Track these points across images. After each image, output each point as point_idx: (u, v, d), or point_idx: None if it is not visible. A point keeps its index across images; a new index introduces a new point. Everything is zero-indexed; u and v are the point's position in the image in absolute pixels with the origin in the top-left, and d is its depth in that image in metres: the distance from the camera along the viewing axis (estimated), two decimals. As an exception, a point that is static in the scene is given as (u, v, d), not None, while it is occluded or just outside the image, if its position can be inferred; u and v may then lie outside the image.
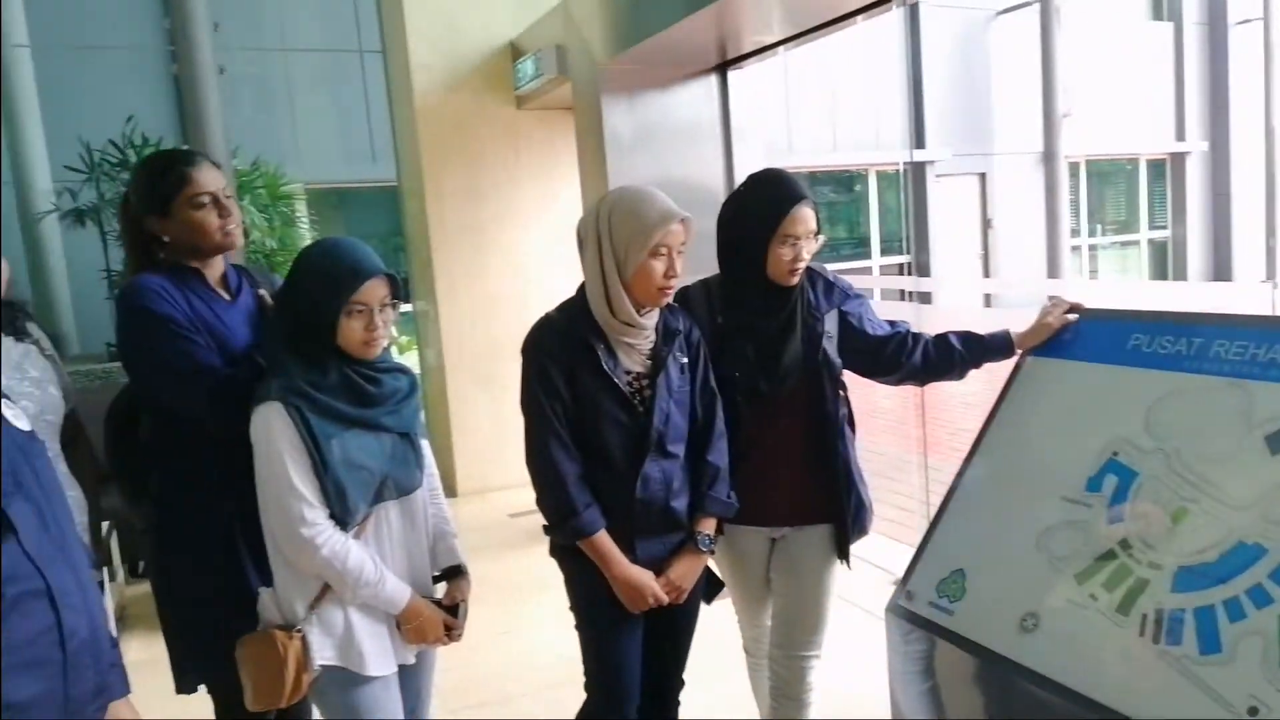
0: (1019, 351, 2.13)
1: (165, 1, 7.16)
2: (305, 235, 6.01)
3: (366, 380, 1.76)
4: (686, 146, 4.43)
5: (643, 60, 4.14)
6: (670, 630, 2.05)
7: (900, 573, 2.09)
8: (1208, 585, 1.54)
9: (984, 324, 2.23)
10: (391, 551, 1.83)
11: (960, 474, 2.08)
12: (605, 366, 1.88)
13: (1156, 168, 14.80)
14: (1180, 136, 14.47)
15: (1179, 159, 14.62)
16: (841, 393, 2.13)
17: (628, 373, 1.91)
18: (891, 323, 2.21)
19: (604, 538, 1.90)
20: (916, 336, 2.17)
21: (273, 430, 1.68)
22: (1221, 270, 14.82)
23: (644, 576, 1.93)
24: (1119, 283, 14.25)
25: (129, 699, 1.42)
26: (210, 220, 1.92)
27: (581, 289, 1.95)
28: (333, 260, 1.74)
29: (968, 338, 2.17)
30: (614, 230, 1.87)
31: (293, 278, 1.80)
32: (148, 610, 3.80)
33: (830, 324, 2.10)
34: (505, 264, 5.49)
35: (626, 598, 1.92)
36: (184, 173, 1.91)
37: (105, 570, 2.59)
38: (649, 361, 1.94)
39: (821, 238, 2.04)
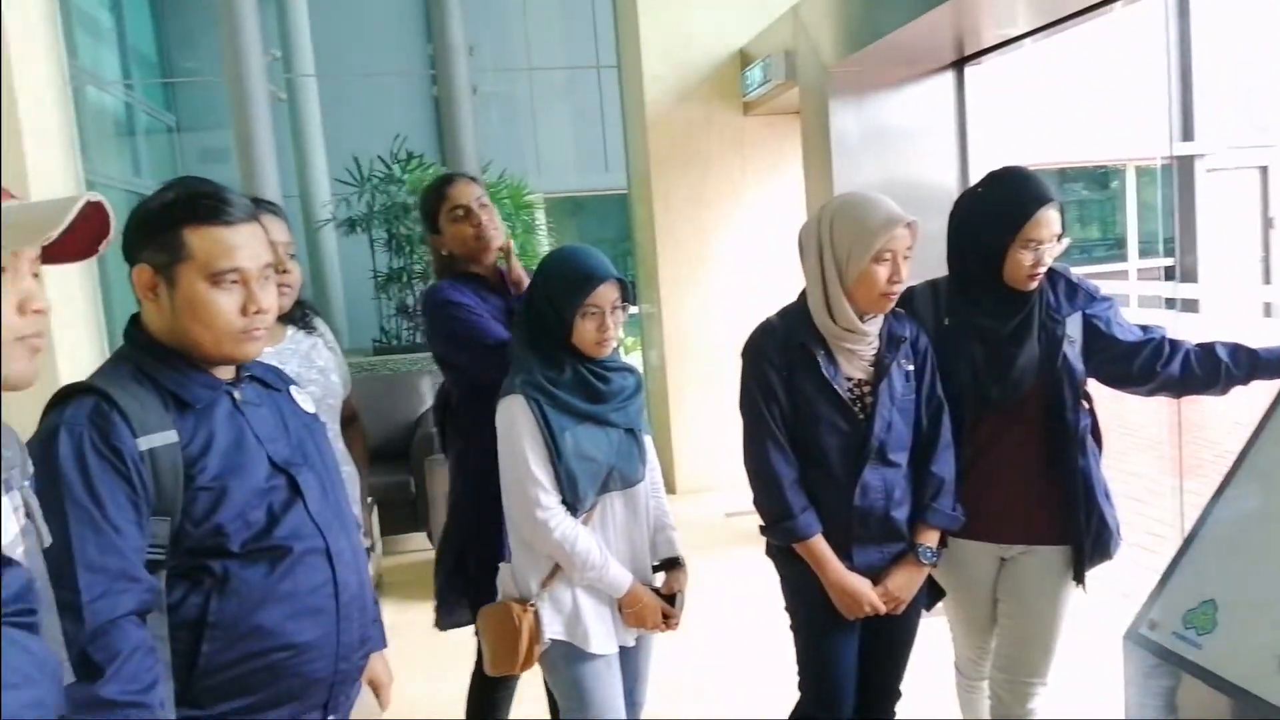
0: None
1: (429, 29, 7.85)
2: (544, 242, 6.41)
3: (597, 378, 1.89)
4: (916, 147, 4.31)
5: (873, 61, 4.07)
6: (888, 639, 2.03)
7: (1140, 599, 1.95)
8: None
9: (1262, 338, 2.03)
10: (615, 539, 1.93)
11: (1217, 496, 1.91)
12: (825, 373, 1.89)
13: None
14: None
15: None
16: (1084, 403, 2.01)
17: (849, 379, 1.91)
18: (1144, 328, 2.05)
19: (819, 542, 1.91)
20: (1175, 344, 2.01)
21: (515, 421, 1.84)
22: None
23: (860, 584, 1.92)
24: None
25: (384, 653, 1.61)
26: (465, 229, 2.24)
27: (803, 295, 1.97)
28: (570, 266, 1.89)
29: (1237, 350, 1.98)
30: (836, 236, 1.87)
31: (535, 282, 1.97)
32: (399, 579, 4.25)
33: (1073, 328, 1.99)
34: (728, 269, 5.58)
35: (841, 604, 1.92)
36: (443, 191, 2.27)
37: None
38: (871, 368, 1.92)
39: (1065, 241, 1.94)
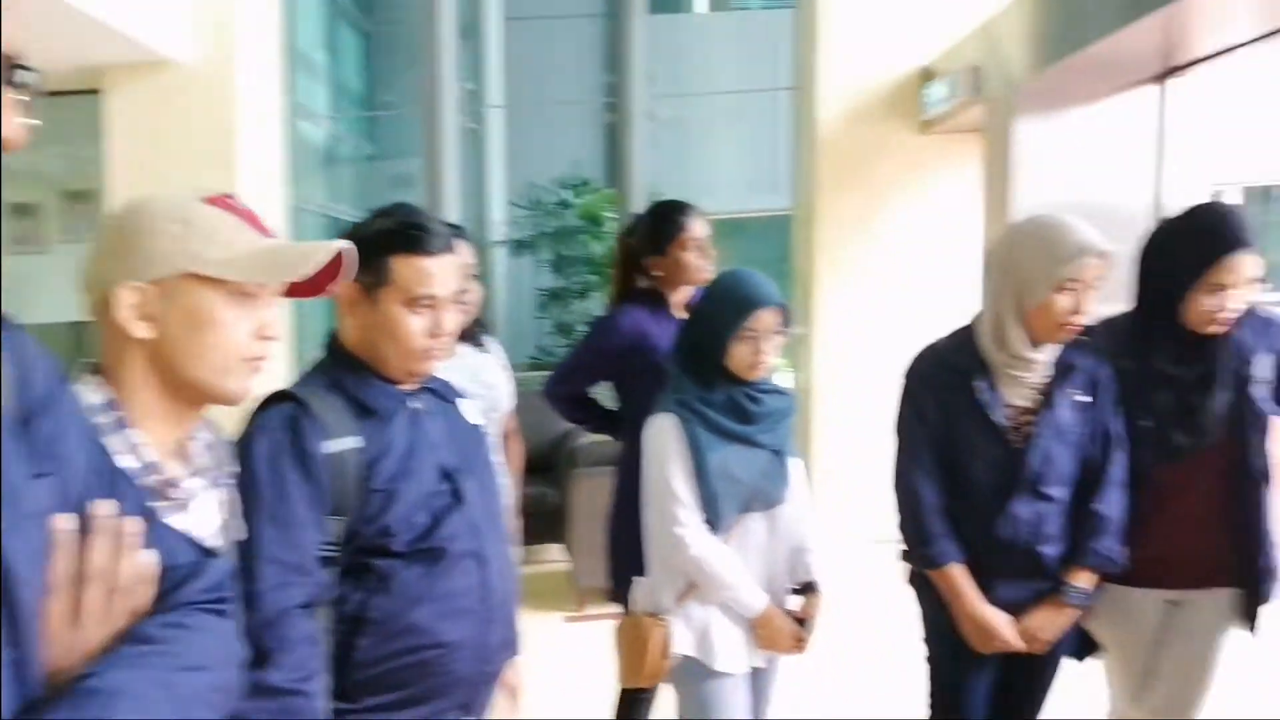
0: None
1: (609, 57, 8.10)
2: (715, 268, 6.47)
3: (750, 400, 1.90)
4: (1109, 168, 4.05)
5: (1067, 76, 3.87)
6: (1024, 677, 1.95)
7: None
8: None
9: None
10: (753, 559, 1.92)
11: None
12: (982, 398, 1.82)
13: None
14: None
15: None
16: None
17: (1009, 406, 1.84)
18: None
19: (957, 570, 1.85)
20: None
21: (664, 438, 1.87)
22: None
23: (995, 617, 1.85)
24: None
25: (516, 660, 1.64)
26: (697, 261, 2.38)
27: (976, 317, 1.91)
28: (734, 290, 1.91)
29: None
30: (1020, 259, 1.80)
31: (699, 303, 2.02)
32: (536, 588, 4.34)
33: (1261, 368, 1.84)
34: (889, 293, 5.39)
35: (974, 637, 1.86)
36: (681, 222, 2.38)
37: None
38: (1039, 397, 1.84)
39: (1262, 286, 1.78)
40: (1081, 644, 2.00)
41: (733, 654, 1.90)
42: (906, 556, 1.96)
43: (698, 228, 2.39)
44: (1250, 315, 1.86)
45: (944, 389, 1.86)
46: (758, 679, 1.98)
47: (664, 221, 2.41)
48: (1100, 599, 1.92)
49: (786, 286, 6.30)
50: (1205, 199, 1.92)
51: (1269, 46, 3.47)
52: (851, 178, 5.42)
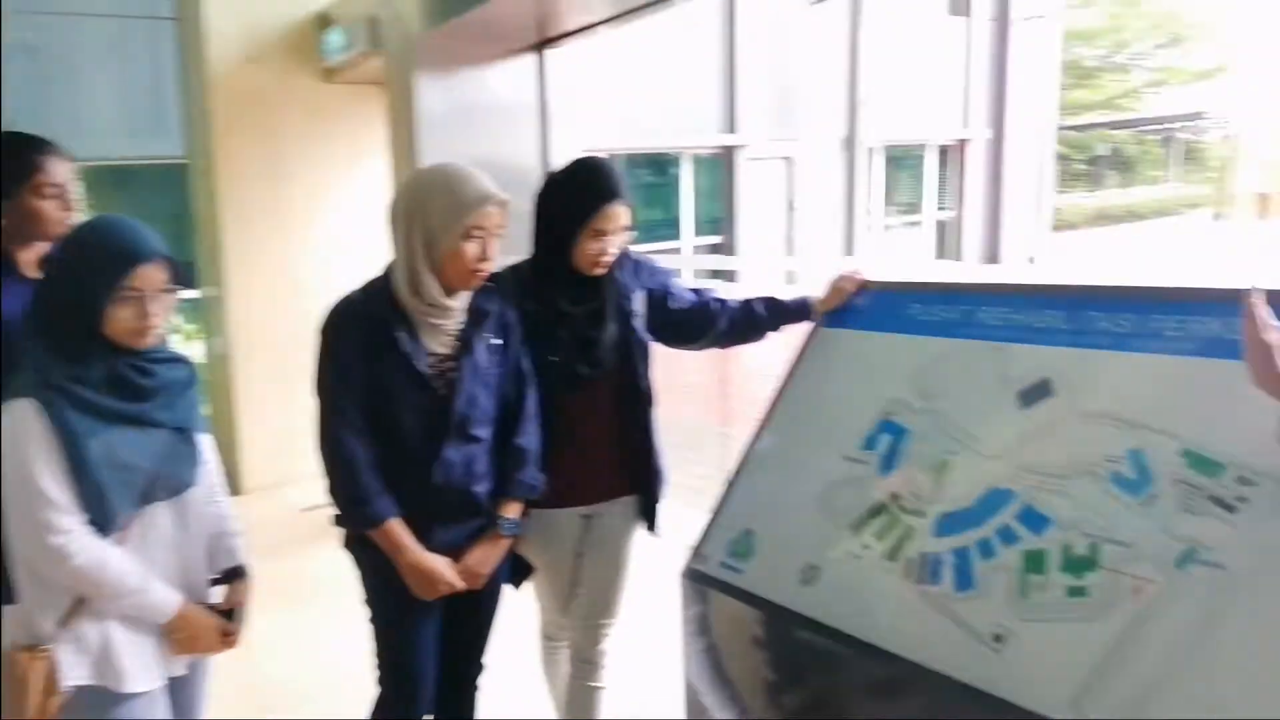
0: (818, 314, 2.23)
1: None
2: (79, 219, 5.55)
3: (138, 372, 1.63)
4: (503, 127, 4.37)
5: (460, 35, 4.05)
6: (470, 616, 2.04)
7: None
8: (964, 529, 1.69)
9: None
10: (162, 555, 1.70)
11: (753, 440, 2.19)
12: (405, 348, 1.83)
13: (943, 153, 15.96)
14: (965, 124, 15.67)
15: (962, 145, 15.84)
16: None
17: (431, 354, 1.87)
18: (696, 291, 2.27)
19: (395, 525, 1.85)
20: (722, 303, 2.24)
21: (21, 429, 1.53)
22: (993, 250, 16.21)
23: (435, 562, 1.89)
24: (906, 262, 15.25)
25: None
26: (56, 212, 1.93)
27: (388, 267, 1.90)
28: (103, 242, 1.60)
29: (769, 302, 2.26)
30: (426, 209, 1.81)
31: (56, 260, 1.65)
32: None
33: (639, 303, 2.14)
34: (305, 247, 5.20)
35: (417, 585, 1.88)
36: (34, 161, 1.92)
37: None
38: (457, 343, 1.90)
39: (633, 234, 2.06)
40: (515, 570, 2.15)
41: (143, 670, 1.66)
42: (340, 520, 1.90)
43: (57, 170, 1.97)
44: (626, 258, 2.14)
45: (365, 341, 1.82)
46: (181, 688, 1.78)
47: (12, 160, 1.94)
48: (528, 525, 2.07)
49: (188, 243, 5.70)
50: (584, 154, 2.13)
51: (628, 27, 4.07)
52: (253, 125, 5.05)
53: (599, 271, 2.04)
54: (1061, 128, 20.27)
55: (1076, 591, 1.51)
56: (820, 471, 1.98)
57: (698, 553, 2.07)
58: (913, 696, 1.63)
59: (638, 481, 2.19)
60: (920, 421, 1.90)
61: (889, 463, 1.89)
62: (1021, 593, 1.57)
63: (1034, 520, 1.63)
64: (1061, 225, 18.77)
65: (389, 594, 1.91)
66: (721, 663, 2.05)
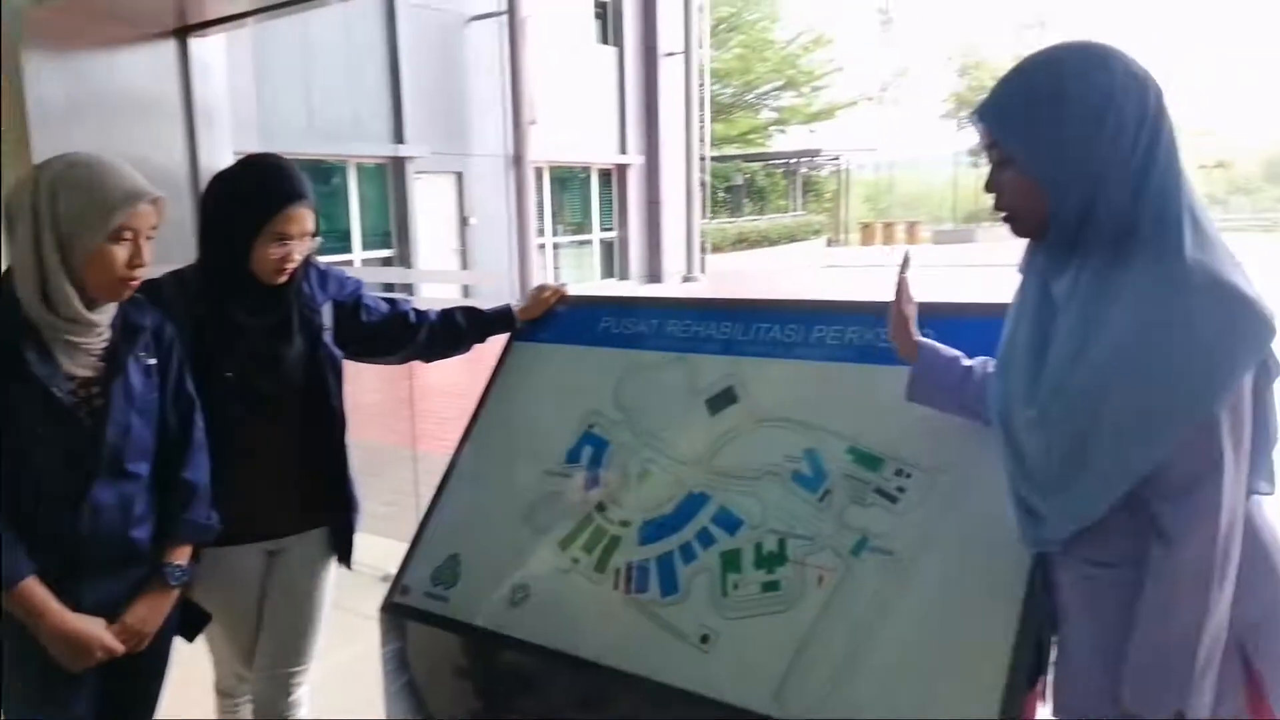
0: (520, 324, 2.21)
1: None
2: None
3: None
4: (139, 121, 3.84)
5: (78, 11, 3.51)
6: (132, 681, 1.73)
7: (394, 570, 2.06)
8: (667, 535, 1.76)
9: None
10: None
11: (453, 461, 2.12)
12: (36, 371, 1.52)
13: (605, 176, 16.80)
14: (623, 149, 16.61)
15: (623, 169, 16.78)
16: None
17: (71, 378, 1.57)
18: (391, 301, 2.15)
19: (31, 586, 1.54)
20: (420, 313, 2.15)
21: None
22: (655, 269, 17.38)
23: (88, 625, 1.59)
24: (578, 280, 15.87)
25: None
26: None
27: (6, 275, 1.58)
28: None
29: (470, 312, 2.20)
30: (60, 207, 1.53)
31: None
32: None
33: (327, 316, 1.98)
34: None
35: (63, 655, 1.57)
36: None
37: None
38: (102, 364, 1.62)
39: (318, 240, 1.90)
40: (186, 620, 1.83)
41: None
42: None
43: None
44: (311, 267, 1.97)
45: None
46: None
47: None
48: (201, 567, 1.81)
49: None
50: (261, 151, 1.93)
51: (286, 25, 3.78)
52: None
53: (281, 280, 1.86)
54: (703, 158, 22.21)
55: (770, 586, 1.62)
56: (525, 488, 1.96)
57: (399, 584, 1.96)
58: (627, 707, 1.65)
59: (328, 511, 2.01)
60: (620, 432, 1.94)
61: (593, 475, 1.91)
62: (723, 592, 1.65)
63: (728, 521, 1.72)
64: (709, 248, 20.51)
65: (35, 666, 1.58)
66: (423, 699, 1.95)
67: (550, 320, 2.23)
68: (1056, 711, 1.36)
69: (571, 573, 1.80)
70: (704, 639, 1.62)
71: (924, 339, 1.57)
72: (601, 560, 1.79)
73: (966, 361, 1.55)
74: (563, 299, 2.23)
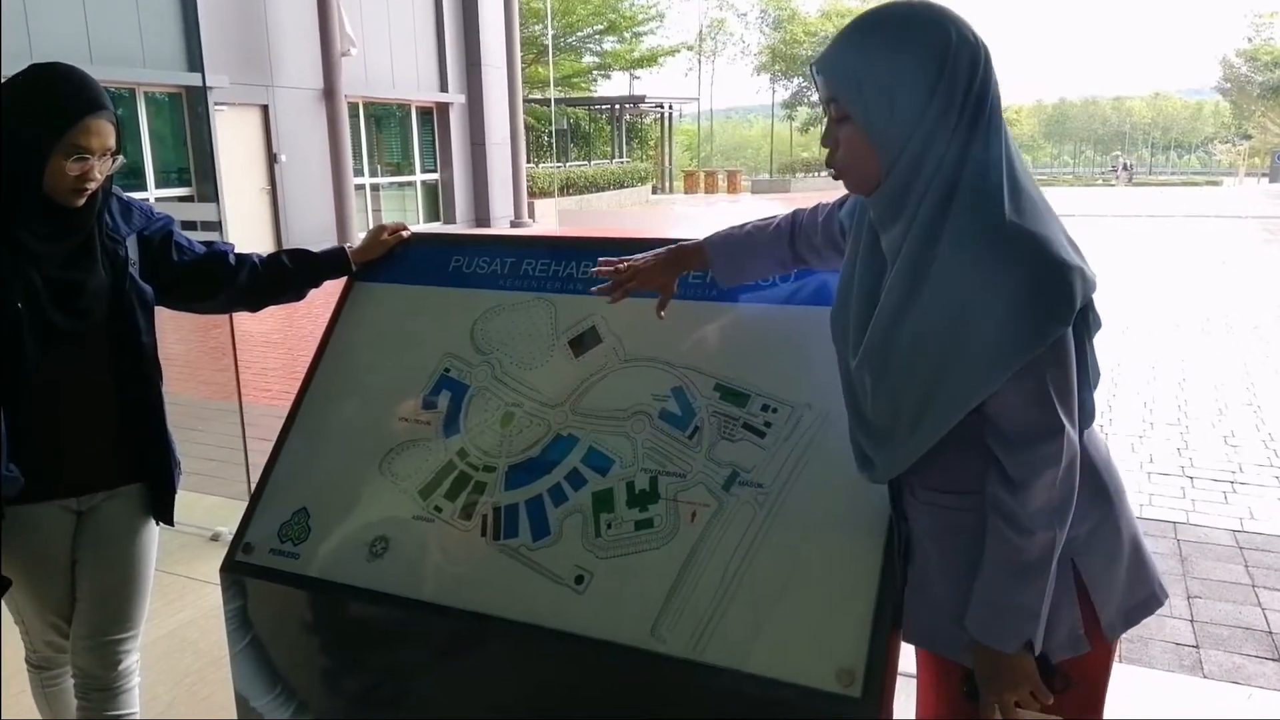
0: (355, 267, 2.07)
1: None
2: None
3: None
4: None
5: None
6: None
7: (225, 529, 1.90)
8: (535, 478, 1.71)
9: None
10: None
11: (294, 411, 1.97)
12: None
13: (425, 115, 16.14)
14: (444, 88, 15.99)
15: (444, 108, 16.16)
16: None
17: None
18: (207, 243, 1.96)
19: None
20: (241, 257, 1.95)
21: None
22: (481, 213, 16.97)
23: None
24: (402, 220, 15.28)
25: None
26: None
27: None
28: None
29: (298, 254, 2.03)
30: None
31: None
32: None
33: (132, 249, 1.78)
34: None
35: None
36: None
37: None
38: None
39: (121, 159, 1.69)
40: None
41: None
42: None
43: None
44: (113, 198, 1.76)
45: None
46: None
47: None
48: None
49: None
50: (48, 61, 1.69)
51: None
52: None
53: (79, 202, 1.64)
54: (527, 100, 21.73)
55: (644, 524, 1.61)
56: (379, 437, 1.85)
57: (240, 542, 1.81)
58: (497, 653, 1.61)
59: (144, 465, 1.82)
60: (479, 375, 1.87)
61: (452, 420, 1.82)
62: (596, 532, 1.62)
63: (599, 462, 1.70)
64: (536, 192, 20.20)
65: None
66: (271, 660, 1.83)
67: (393, 261, 2.10)
68: (908, 638, 1.40)
69: (435, 521, 1.72)
70: (579, 580, 1.59)
71: (708, 238, 1.63)
72: (466, 507, 1.72)
73: (766, 225, 1.60)
74: (404, 240, 2.11)
